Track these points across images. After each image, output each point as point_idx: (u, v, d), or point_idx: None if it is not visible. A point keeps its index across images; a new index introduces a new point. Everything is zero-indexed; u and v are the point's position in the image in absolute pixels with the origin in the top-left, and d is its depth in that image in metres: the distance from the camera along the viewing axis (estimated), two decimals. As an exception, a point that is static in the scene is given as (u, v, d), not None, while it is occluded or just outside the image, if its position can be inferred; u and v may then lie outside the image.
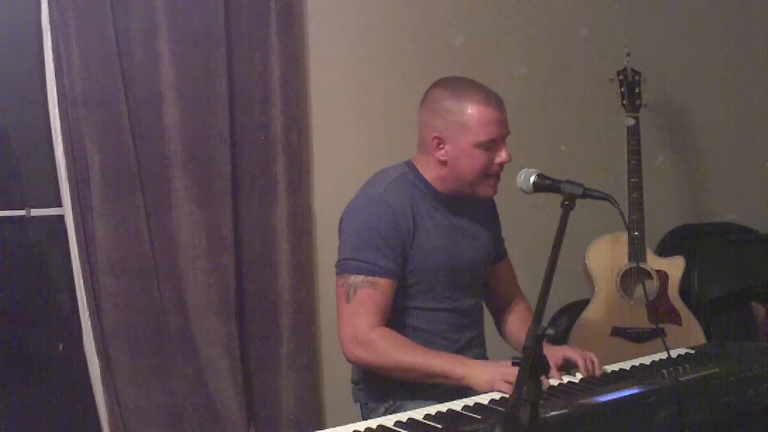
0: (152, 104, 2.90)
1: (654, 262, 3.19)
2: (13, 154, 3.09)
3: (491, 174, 2.15)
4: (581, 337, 3.14)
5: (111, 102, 2.82)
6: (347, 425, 1.77)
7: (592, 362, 2.09)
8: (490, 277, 2.38)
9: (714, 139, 3.94)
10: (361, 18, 3.26)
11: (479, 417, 1.79)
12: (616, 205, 1.81)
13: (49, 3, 2.76)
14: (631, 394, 1.91)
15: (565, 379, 2.05)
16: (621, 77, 3.28)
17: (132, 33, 2.86)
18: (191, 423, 3.00)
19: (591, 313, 3.16)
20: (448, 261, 2.19)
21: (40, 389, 3.10)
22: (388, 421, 1.79)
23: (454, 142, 2.12)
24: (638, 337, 3.11)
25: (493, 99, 2.11)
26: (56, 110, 2.81)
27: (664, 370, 2.07)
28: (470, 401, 1.89)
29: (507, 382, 1.93)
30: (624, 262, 3.15)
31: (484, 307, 2.43)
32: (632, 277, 3.15)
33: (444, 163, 2.15)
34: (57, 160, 2.86)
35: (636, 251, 3.14)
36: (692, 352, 2.29)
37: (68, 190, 2.83)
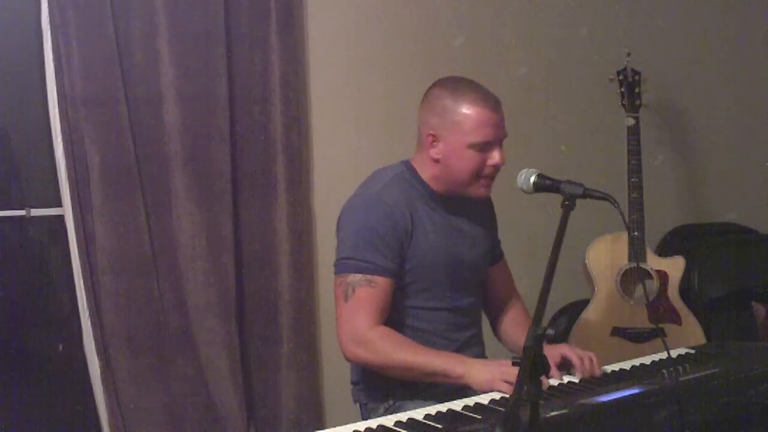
0: (152, 104, 2.90)
1: (654, 262, 3.19)
2: (13, 154, 3.09)
3: (484, 175, 2.15)
4: (581, 337, 3.14)
5: (111, 102, 2.82)
6: (347, 425, 1.77)
7: (591, 361, 2.08)
8: (486, 278, 2.38)
9: (714, 139, 3.94)
10: (361, 18, 3.26)
11: (479, 417, 1.79)
12: (616, 205, 1.81)
13: (49, 3, 2.76)
14: (631, 394, 1.91)
15: (566, 379, 2.05)
16: (621, 77, 3.28)
17: (132, 33, 2.86)
18: (191, 423, 3.00)
19: (591, 313, 3.16)
20: (445, 260, 2.19)
21: (40, 389, 3.10)
22: (388, 421, 1.79)
23: (447, 140, 2.12)
24: (638, 337, 3.11)
25: (490, 101, 2.11)
26: (56, 110, 2.81)
27: (664, 370, 2.07)
28: (470, 401, 1.89)
29: (506, 381, 1.94)
30: (624, 262, 3.15)
31: (482, 306, 2.43)
32: (632, 277, 3.15)
33: (437, 161, 2.15)
34: (57, 160, 2.86)
35: (636, 251, 3.14)
36: (692, 352, 2.29)
37: (68, 190, 2.83)
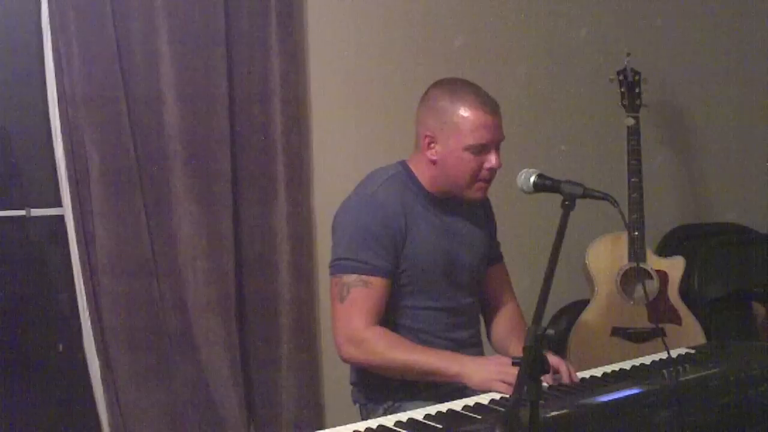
0: (152, 104, 2.90)
1: (654, 262, 3.19)
2: (13, 154, 3.09)
3: (480, 178, 2.14)
4: (581, 337, 3.14)
5: (111, 102, 2.82)
6: (347, 425, 1.77)
7: (567, 371, 2.02)
8: (482, 280, 2.38)
9: (714, 139, 3.94)
10: (361, 18, 3.26)
11: (479, 417, 1.79)
12: (616, 205, 1.81)
13: (49, 3, 2.76)
14: (631, 394, 1.91)
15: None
16: (621, 77, 3.28)
17: (132, 33, 2.86)
18: (191, 423, 3.00)
19: (591, 313, 3.16)
20: (441, 261, 2.19)
21: (40, 389, 3.10)
22: (388, 421, 1.79)
23: (444, 142, 2.12)
24: (638, 337, 3.11)
25: (488, 104, 2.11)
26: (56, 110, 2.81)
27: (664, 370, 2.07)
28: (470, 401, 1.89)
29: (502, 381, 1.93)
30: (624, 262, 3.15)
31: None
32: (632, 277, 3.15)
33: (434, 162, 2.15)
34: (57, 160, 2.86)
35: (636, 251, 3.14)
36: (692, 352, 2.29)
37: (68, 190, 2.83)
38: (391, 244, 2.11)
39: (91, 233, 2.84)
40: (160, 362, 2.96)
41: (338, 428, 1.75)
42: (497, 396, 1.93)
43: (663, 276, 3.17)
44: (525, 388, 1.41)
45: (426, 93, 2.19)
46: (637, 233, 3.15)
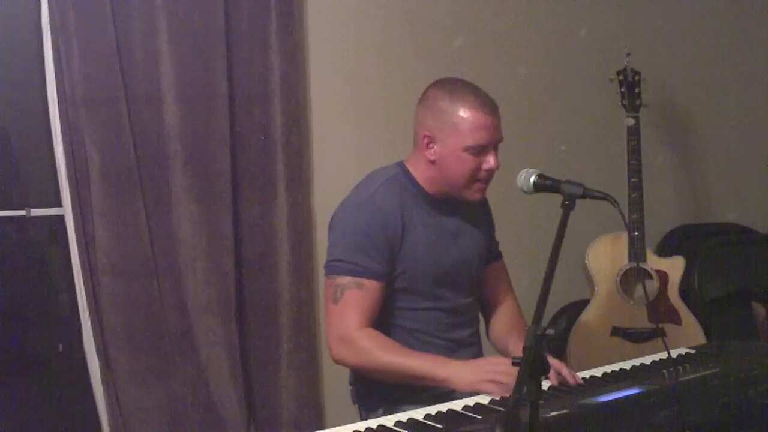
0: (152, 104, 2.90)
1: (654, 262, 3.19)
2: (13, 154, 3.09)
3: (478, 179, 2.14)
4: (581, 337, 3.14)
5: (111, 102, 2.82)
6: (347, 425, 1.77)
7: (570, 373, 2.03)
8: (481, 279, 2.38)
9: (714, 139, 3.94)
10: (361, 18, 3.26)
11: (479, 417, 1.80)
12: (616, 205, 1.81)
13: (49, 3, 2.76)
14: (631, 394, 1.91)
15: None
16: (621, 77, 3.28)
17: (132, 33, 2.86)
18: (191, 423, 3.00)
19: (591, 313, 3.16)
20: (438, 262, 2.19)
21: (40, 389, 3.10)
22: (388, 421, 1.79)
23: (443, 142, 2.12)
24: (638, 337, 3.11)
25: (487, 104, 2.10)
26: (56, 110, 2.81)
27: (664, 370, 2.07)
28: (470, 401, 1.89)
29: (490, 381, 1.93)
30: (624, 262, 3.16)
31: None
32: (632, 277, 3.15)
33: (432, 162, 2.15)
34: (57, 160, 2.86)
35: (636, 251, 3.14)
36: (692, 352, 2.29)
37: (68, 190, 2.83)
38: (387, 247, 2.12)
39: (91, 233, 2.84)
40: (160, 362, 2.96)
41: (338, 428, 1.75)
42: (497, 396, 1.93)
43: (663, 276, 3.17)
44: (525, 388, 1.41)
45: (425, 93, 2.19)
46: (637, 233, 3.15)
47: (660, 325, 3.14)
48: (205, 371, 3.00)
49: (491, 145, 2.12)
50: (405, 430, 1.75)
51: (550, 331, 1.48)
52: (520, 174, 1.98)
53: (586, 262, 3.19)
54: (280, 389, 3.11)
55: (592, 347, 3.12)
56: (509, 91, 3.34)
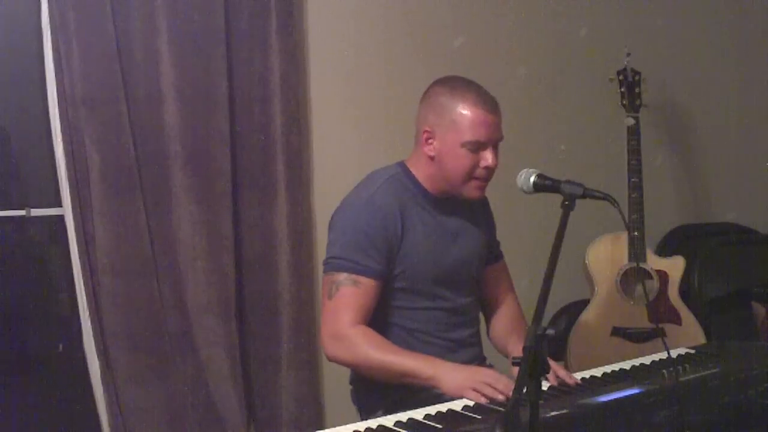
0: (152, 104, 2.90)
1: (654, 262, 3.19)
2: (13, 154, 3.09)
3: (476, 176, 2.15)
4: (581, 337, 3.14)
5: (111, 102, 2.82)
6: (347, 425, 1.77)
7: (567, 374, 2.04)
8: (481, 279, 2.38)
9: (714, 139, 3.94)
10: (361, 18, 3.26)
11: (479, 417, 1.80)
12: (616, 205, 1.81)
13: (49, 3, 2.76)
14: (631, 394, 1.91)
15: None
16: (621, 77, 3.28)
17: (132, 33, 2.86)
18: (191, 423, 3.00)
19: (591, 313, 3.16)
20: (438, 262, 2.19)
21: (40, 389, 3.10)
22: (388, 421, 1.79)
23: (442, 138, 2.13)
24: (638, 337, 3.11)
25: (488, 102, 2.11)
26: (56, 110, 2.81)
27: (664, 370, 2.07)
28: (471, 401, 1.89)
29: (474, 390, 1.93)
30: (624, 262, 3.15)
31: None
32: (632, 277, 3.15)
33: (432, 158, 2.16)
34: (57, 160, 2.86)
35: (636, 251, 3.14)
36: (692, 352, 2.29)
37: (68, 190, 2.83)
38: (385, 247, 2.12)
39: (91, 233, 2.84)
40: (160, 362, 2.95)
41: (338, 428, 1.75)
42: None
43: (663, 276, 3.17)
44: (525, 388, 1.41)
45: (428, 89, 2.20)
46: (637, 233, 3.15)
47: (660, 325, 3.14)
48: (205, 371, 3.00)
49: (490, 142, 2.12)
50: (405, 430, 1.75)
51: (550, 331, 1.48)
52: (520, 174, 1.98)
53: (586, 262, 3.19)
54: (280, 389, 3.11)
55: (592, 347, 3.12)
56: (509, 91, 3.33)
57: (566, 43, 3.62)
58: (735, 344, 2.63)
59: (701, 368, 2.07)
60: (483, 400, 1.90)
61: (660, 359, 2.21)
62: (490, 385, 1.92)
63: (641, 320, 3.12)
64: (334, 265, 2.13)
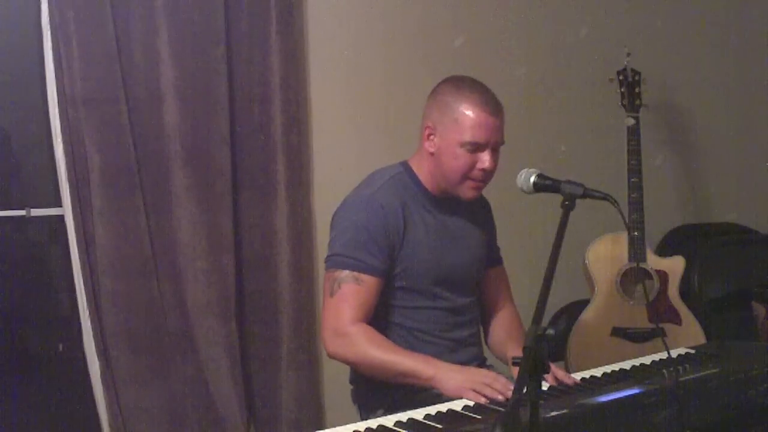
0: (152, 104, 2.90)
1: (654, 262, 3.19)
2: (13, 154, 3.09)
3: (472, 177, 2.15)
4: (581, 337, 3.14)
5: (111, 102, 2.82)
6: (347, 425, 1.77)
7: (565, 375, 2.05)
8: (481, 282, 2.37)
9: (714, 139, 3.94)
10: (361, 18, 3.26)
11: (479, 417, 1.80)
12: (616, 205, 1.81)
13: (49, 3, 2.76)
14: (631, 394, 1.91)
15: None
16: (621, 77, 3.28)
17: (132, 33, 2.86)
18: (191, 423, 3.00)
19: (591, 313, 3.16)
20: (439, 262, 2.19)
21: (40, 389, 3.10)
22: (388, 421, 1.79)
23: (442, 135, 2.14)
24: (638, 337, 3.11)
25: (490, 104, 2.11)
26: (56, 110, 2.81)
27: (664, 370, 2.07)
28: (471, 401, 1.89)
29: (474, 390, 1.93)
30: (624, 262, 3.15)
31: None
32: (632, 277, 3.15)
33: (432, 155, 2.17)
34: (57, 160, 2.86)
35: (636, 251, 3.14)
36: (692, 352, 2.29)
37: (68, 190, 2.83)
38: (387, 245, 2.12)
39: (91, 233, 2.85)
40: (160, 362, 2.96)
41: (338, 428, 1.75)
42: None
43: (663, 276, 3.17)
44: (525, 388, 1.41)
45: (436, 87, 2.21)
46: (637, 233, 3.15)
47: (660, 325, 3.14)
48: (205, 371, 3.00)
49: (488, 144, 2.12)
50: (405, 430, 1.75)
51: (550, 331, 1.48)
52: (520, 174, 1.98)
53: (586, 262, 3.19)
54: (280, 389, 3.11)
55: (592, 347, 3.12)
56: (509, 91, 3.31)
57: (566, 43, 3.62)
58: (735, 344, 2.64)
59: (701, 368, 2.08)
60: (482, 401, 1.90)
61: (660, 359, 2.21)
62: (489, 386, 1.93)
63: (641, 320, 3.12)
64: (335, 262, 2.13)
